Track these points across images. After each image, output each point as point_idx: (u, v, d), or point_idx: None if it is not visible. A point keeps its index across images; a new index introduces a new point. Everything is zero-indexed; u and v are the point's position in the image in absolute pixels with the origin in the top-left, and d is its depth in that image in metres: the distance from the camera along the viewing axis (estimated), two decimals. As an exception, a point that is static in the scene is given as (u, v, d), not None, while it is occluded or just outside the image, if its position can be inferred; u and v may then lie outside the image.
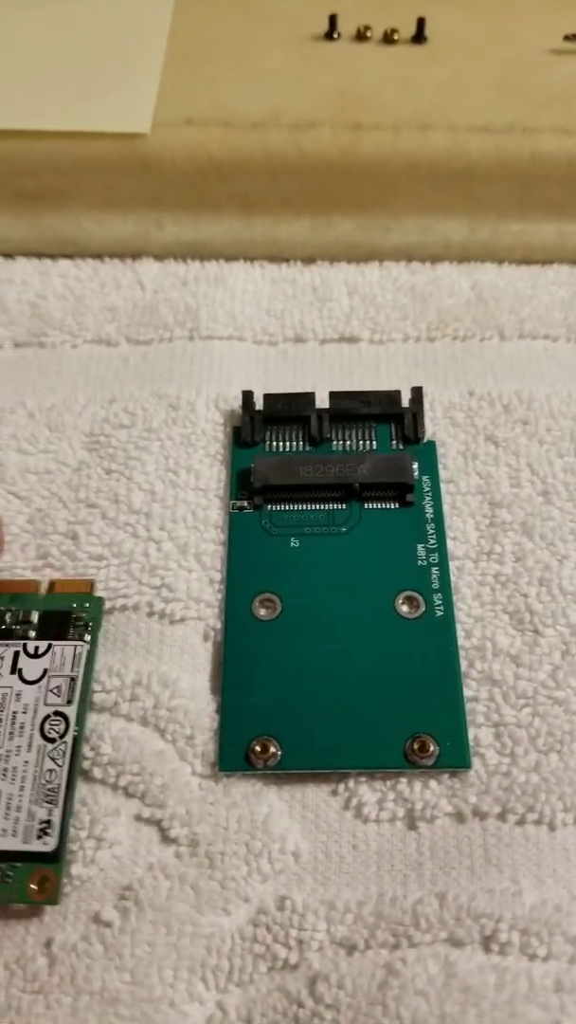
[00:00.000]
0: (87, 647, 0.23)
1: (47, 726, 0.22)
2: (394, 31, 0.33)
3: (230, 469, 0.27)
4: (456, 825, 0.22)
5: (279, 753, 0.22)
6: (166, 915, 0.21)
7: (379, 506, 0.26)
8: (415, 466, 0.26)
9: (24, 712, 0.23)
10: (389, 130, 0.30)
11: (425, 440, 0.27)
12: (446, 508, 0.26)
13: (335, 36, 0.33)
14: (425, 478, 0.27)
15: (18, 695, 0.23)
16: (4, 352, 0.30)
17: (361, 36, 0.33)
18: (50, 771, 0.22)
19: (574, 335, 0.30)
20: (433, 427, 0.28)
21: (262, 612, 0.24)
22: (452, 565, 0.25)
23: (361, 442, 0.27)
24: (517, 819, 0.22)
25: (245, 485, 0.26)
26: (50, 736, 0.22)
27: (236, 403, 0.28)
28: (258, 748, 0.22)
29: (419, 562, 0.25)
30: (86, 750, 0.23)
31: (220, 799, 0.22)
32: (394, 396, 0.28)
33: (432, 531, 0.26)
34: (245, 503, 0.26)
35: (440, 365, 0.30)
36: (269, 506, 0.26)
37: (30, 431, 0.28)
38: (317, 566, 0.25)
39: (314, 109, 0.31)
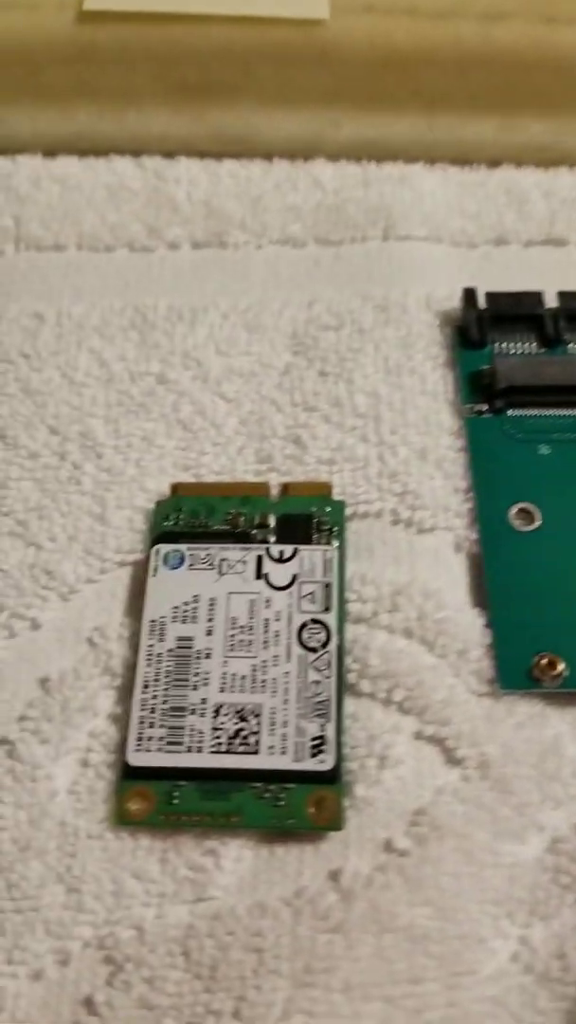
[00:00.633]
0: (336, 553, 0.21)
1: (305, 634, 0.20)
2: None
3: (457, 371, 0.25)
4: None
5: (566, 671, 0.20)
6: (468, 843, 0.18)
7: None
8: None
9: (277, 620, 0.20)
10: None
11: None
12: None
13: None
14: None
15: (267, 601, 0.20)
16: (182, 252, 0.28)
17: None
18: (316, 683, 0.19)
19: None
20: None
21: (518, 523, 0.22)
22: None
23: (599, 345, 0.25)
24: None
25: (479, 388, 0.24)
26: (311, 645, 0.20)
27: (448, 304, 0.26)
28: (545, 663, 0.20)
29: None
30: (349, 662, 0.20)
31: (504, 718, 0.20)
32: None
33: None
34: (484, 407, 0.24)
35: None
36: (510, 411, 0.24)
37: (226, 332, 0.26)
38: (574, 475, 0.23)
39: (505, -1, 0.28)
